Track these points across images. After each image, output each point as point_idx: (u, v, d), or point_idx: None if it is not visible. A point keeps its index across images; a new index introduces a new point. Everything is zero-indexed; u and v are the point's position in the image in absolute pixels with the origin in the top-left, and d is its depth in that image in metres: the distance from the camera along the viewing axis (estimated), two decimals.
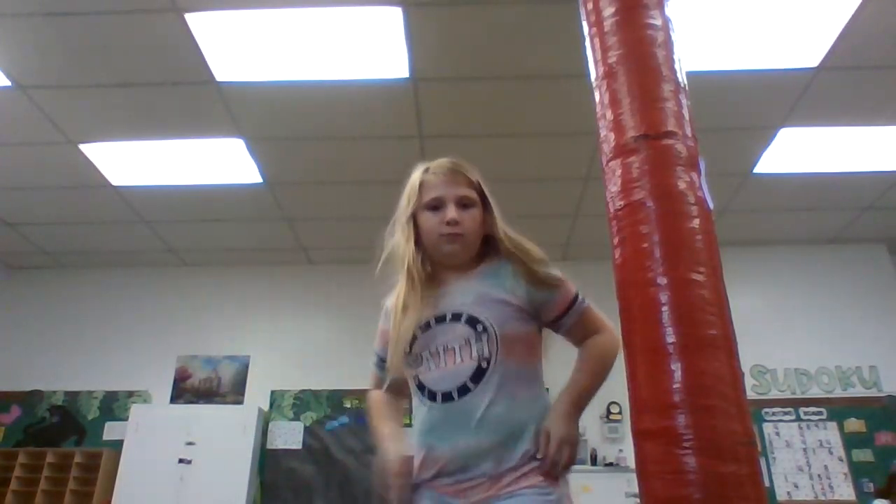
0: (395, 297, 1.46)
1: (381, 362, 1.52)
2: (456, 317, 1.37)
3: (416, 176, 1.50)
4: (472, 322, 1.36)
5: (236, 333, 5.94)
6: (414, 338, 1.38)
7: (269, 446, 5.46)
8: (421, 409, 1.38)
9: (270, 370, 5.77)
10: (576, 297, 1.44)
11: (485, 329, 1.34)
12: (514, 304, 1.38)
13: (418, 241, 1.46)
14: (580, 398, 1.37)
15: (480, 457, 1.29)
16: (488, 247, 1.48)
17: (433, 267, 1.46)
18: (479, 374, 1.32)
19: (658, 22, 1.21)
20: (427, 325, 1.39)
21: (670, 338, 0.99)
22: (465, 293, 1.40)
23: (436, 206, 1.45)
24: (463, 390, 1.32)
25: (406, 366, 1.41)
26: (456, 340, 1.35)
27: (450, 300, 1.40)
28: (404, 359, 1.39)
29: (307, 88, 3.86)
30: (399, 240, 1.48)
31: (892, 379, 5.45)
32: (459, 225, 1.41)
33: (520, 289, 1.39)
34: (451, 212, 1.42)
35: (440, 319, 1.38)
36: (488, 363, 1.33)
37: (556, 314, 1.42)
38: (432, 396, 1.35)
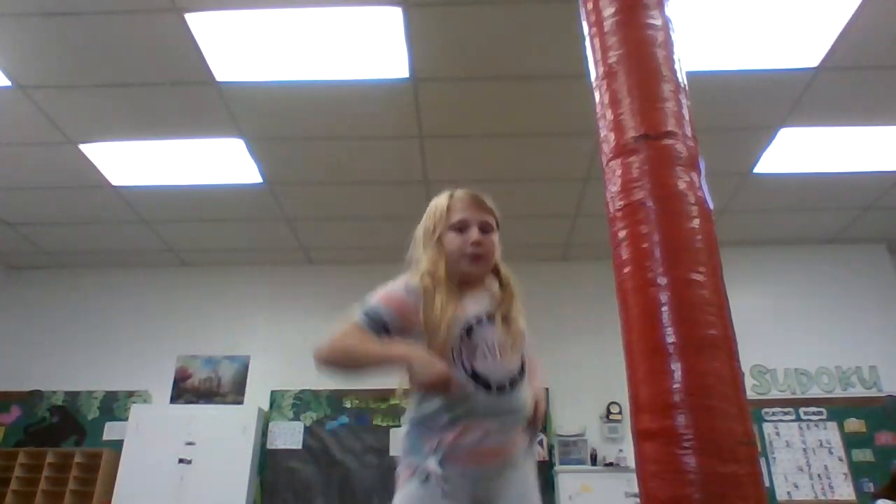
0: (424, 287, 1.55)
1: (381, 327, 1.53)
2: (492, 318, 1.55)
3: (442, 199, 1.67)
4: (508, 322, 1.56)
5: (236, 333, 5.94)
6: (470, 328, 1.52)
7: (269, 446, 5.46)
8: (462, 405, 1.48)
9: (270, 370, 5.77)
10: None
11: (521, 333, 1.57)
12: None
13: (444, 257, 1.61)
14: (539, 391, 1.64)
15: (510, 432, 1.50)
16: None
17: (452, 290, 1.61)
18: (522, 371, 1.54)
19: (658, 22, 1.21)
20: (479, 321, 1.53)
21: (670, 338, 0.99)
22: (490, 303, 1.59)
23: (461, 227, 1.61)
24: (512, 384, 1.51)
25: (459, 349, 1.50)
26: (502, 338, 1.53)
27: (483, 307, 1.58)
28: (461, 342, 1.50)
29: (307, 88, 3.86)
30: (432, 255, 1.61)
31: (892, 379, 5.45)
32: (482, 246, 1.59)
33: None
34: (476, 234, 1.59)
35: (490, 318, 1.55)
36: (524, 362, 1.56)
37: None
38: (487, 386, 1.48)
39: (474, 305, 1.56)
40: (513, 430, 1.51)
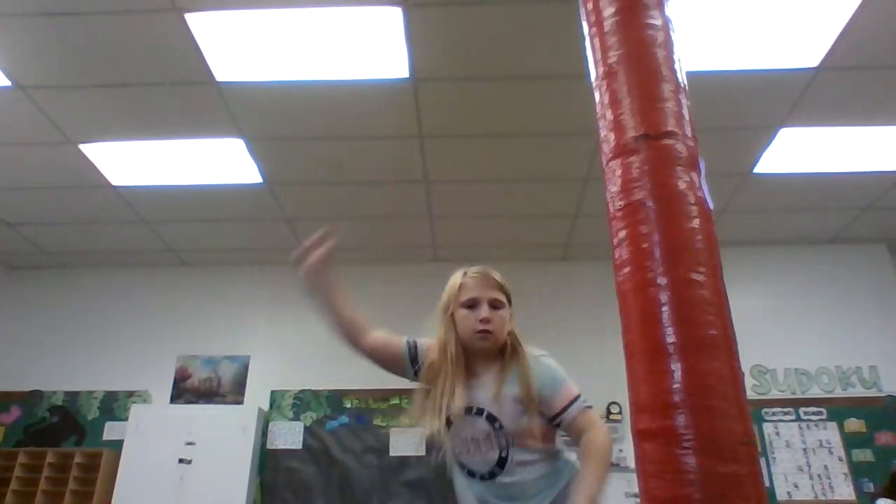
0: (434, 360, 1.76)
1: (413, 355, 1.81)
2: (479, 412, 1.68)
3: (456, 277, 1.81)
4: (491, 419, 1.67)
5: (236, 333, 5.94)
6: (450, 421, 1.69)
7: (269, 446, 5.46)
8: (462, 479, 1.75)
9: (270, 370, 5.77)
10: (577, 397, 1.70)
11: (501, 426, 1.66)
12: (524, 402, 1.66)
13: (455, 332, 1.76)
14: (591, 490, 1.57)
15: None
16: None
17: (466, 353, 1.75)
18: (501, 462, 1.66)
19: (658, 22, 1.21)
20: (460, 416, 1.69)
21: (670, 338, 0.99)
22: (487, 388, 1.70)
23: (471, 305, 1.74)
24: (492, 475, 1.67)
25: (446, 439, 1.73)
26: (480, 433, 1.68)
27: (475, 393, 1.71)
28: (446, 432, 1.72)
29: (307, 88, 3.86)
30: (443, 331, 1.77)
31: (892, 379, 5.45)
32: (491, 323, 1.71)
33: (524, 392, 1.67)
34: (485, 311, 1.72)
35: (469, 411, 1.69)
36: (507, 453, 1.66)
37: (555, 411, 1.67)
38: (471, 475, 1.71)
39: (466, 394, 1.70)
40: None
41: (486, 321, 1.71)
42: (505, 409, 1.66)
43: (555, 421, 1.68)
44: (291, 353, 5.82)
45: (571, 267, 6.03)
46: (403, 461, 5.37)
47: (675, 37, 1.22)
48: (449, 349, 1.72)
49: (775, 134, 4.35)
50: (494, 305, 1.74)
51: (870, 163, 4.66)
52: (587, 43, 1.31)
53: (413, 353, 1.80)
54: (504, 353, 1.74)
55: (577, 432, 1.65)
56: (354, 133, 4.32)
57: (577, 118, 3.99)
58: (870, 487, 5.01)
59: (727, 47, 3.59)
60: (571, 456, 1.76)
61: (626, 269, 1.09)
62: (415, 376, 1.80)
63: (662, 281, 1.02)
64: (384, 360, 1.84)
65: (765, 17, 3.38)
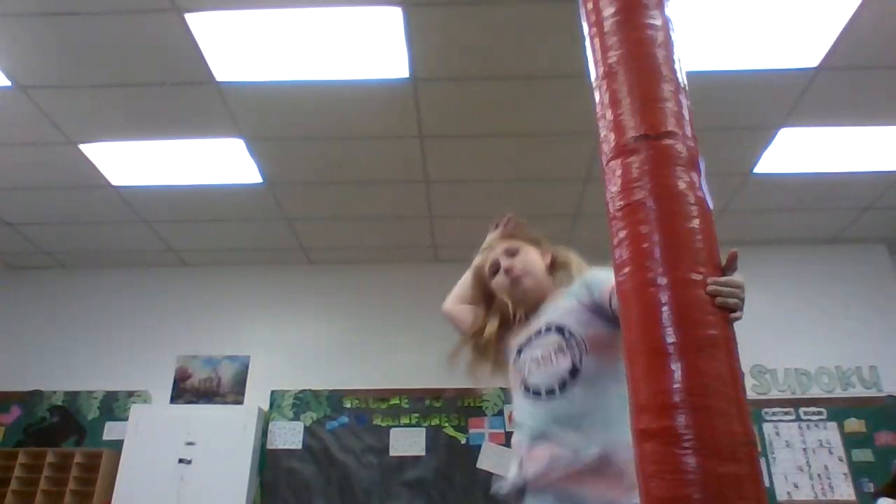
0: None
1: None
2: (548, 329, 1.64)
3: (478, 260, 1.87)
4: (559, 329, 1.61)
5: (236, 333, 5.94)
6: (519, 352, 1.67)
7: (269, 446, 5.46)
8: (524, 404, 1.61)
9: (270, 370, 5.77)
10: None
11: (571, 334, 1.59)
12: (585, 306, 1.60)
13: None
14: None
15: (568, 443, 1.48)
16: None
17: (526, 311, 1.74)
18: (574, 372, 1.54)
19: (658, 22, 1.21)
20: (528, 340, 1.66)
21: (670, 338, 0.99)
22: (553, 311, 1.68)
23: (496, 269, 1.77)
24: (563, 386, 1.54)
25: (513, 370, 1.70)
26: (552, 347, 1.60)
27: (542, 319, 1.69)
28: (513, 365, 1.69)
29: (307, 88, 3.86)
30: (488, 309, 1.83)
31: (892, 379, 5.44)
32: (513, 269, 1.73)
33: (583, 292, 1.63)
34: (505, 262, 1.75)
35: (537, 333, 1.66)
36: (581, 361, 1.55)
37: (608, 294, 1.52)
38: (536, 392, 1.58)
39: (540, 319, 1.69)
40: (570, 441, 1.49)
41: (508, 270, 1.73)
42: (573, 317, 1.61)
43: (613, 307, 1.55)
44: (291, 353, 5.83)
45: None
46: (403, 461, 5.37)
47: (675, 37, 1.22)
48: (488, 334, 1.75)
49: (775, 134, 4.35)
50: (510, 254, 1.76)
51: (870, 163, 4.66)
52: (587, 43, 1.31)
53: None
54: (555, 279, 1.77)
55: None
56: (354, 133, 4.32)
57: (577, 118, 3.99)
58: (870, 487, 5.01)
59: (727, 47, 3.59)
60: None
61: (626, 269, 1.09)
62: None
63: (662, 281, 1.02)
64: (460, 326, 1.92)
65: (765, 17, 3.38)
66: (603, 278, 1.58)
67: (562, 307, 1.66)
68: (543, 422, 1.53)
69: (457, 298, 1.98)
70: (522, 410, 1.61)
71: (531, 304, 1.73)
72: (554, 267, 1.80)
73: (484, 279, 1.81)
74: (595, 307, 1.59)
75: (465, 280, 1.97)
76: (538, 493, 1.49)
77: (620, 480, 1.39)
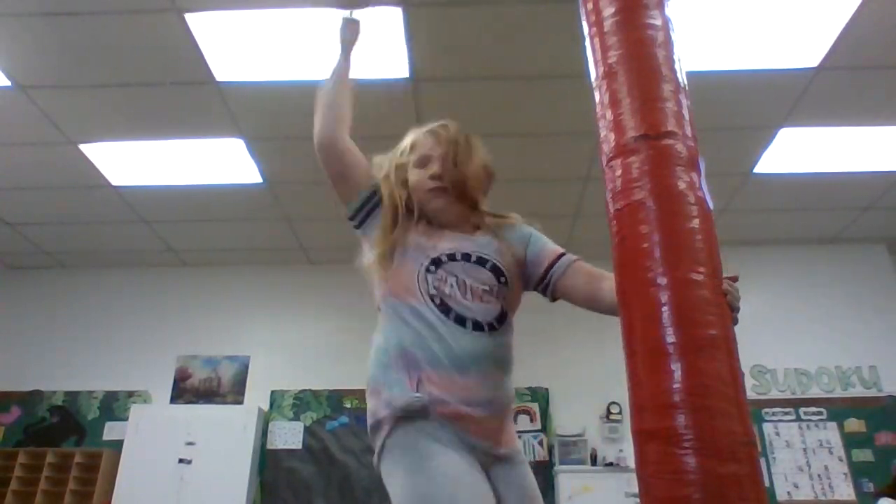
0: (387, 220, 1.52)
1: (373, 198, 1.60)
2: (481, 261, 1.43)
3: (409, 137, 1.64)
4: (497, 272, 1.43)
5: (236, 333, 5.94)
6: (435, 263, 1.42)
7: (269, 446, 5.46)
8: (438, 324, 1.36)
9: (270, 370, 5.77)
10: (563, 253, 1.51)
11: (507, 282, 1.44)
12: (517, 259, 1.48)
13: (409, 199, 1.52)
14: None
15: (499, 393, 1.38)
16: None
17: (431, 220, 1.51)
18: (502, 318, 1.41)
19: (658, 22, 1.21)
20: (453, 256, 1.43)
21: (670, 338, 0.99)
22: (486, 244, 1.47)
23: (423, 163, 1.53)
24: (491, 328, 1.39)
25: (422, 274, 1.42)
26: (481, 284, 1.41)
27: (470, 244, 1.46)
28: (418, 270, 1.42)
29: (307, 88, 3.81)
30: (391, 191, 1.55)
31: (892, 379, 5.45)
32: (442, 179, 1.48)
33: (519, 242, 1.51)
34: (436, 166, 1.49)
35: (467, 257, 1.43)
36: (509, 310, 1.44)
37: (549, 260, 1.48)
38: (460, 321, 1.37)
39: (464, 242, 1.47)
40: (499, 390, 1.38)
41: (435, 177, 1.48)
42: (511, 266, 1.46)
43: (545, 278, 1.47)
44: (291, 353, 5.83)
45: None
46: None
47: (675, 37, 1.22)
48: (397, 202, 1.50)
49: (775, 134, 4.35)
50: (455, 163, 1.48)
51: (870, 163, 4.66)
52: (587, 43, 1.31)
53: (372, 197, 1.58)
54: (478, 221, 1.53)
55: (585, 277, 1.44)
56: (354, 133, 4.28)
57: (577, 118, 3.99)
58: (870, 487, 5.01)
59: (727, 47, 3.59)
60: None
61: (626, 269, 1.09)
62: (356, 221, 1.60)
63: (662, 281, 1.02)
64: (345, 171, 1.62)
65: (765, 17, 3.38)
66: (546, 242, 1.52)
67: (495, 247, 1.46)
68: (480, 356, 1.35)
69: (338, 120, 1.66)
70: (434, 329, 1.35)
71: (444, 220, 1.50)
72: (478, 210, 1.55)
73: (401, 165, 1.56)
74: (521, 263, 1.49)
75: (345, 85, 1.68)
76: (446, 423, 1.31)
77: (515, 432, 1.47)
